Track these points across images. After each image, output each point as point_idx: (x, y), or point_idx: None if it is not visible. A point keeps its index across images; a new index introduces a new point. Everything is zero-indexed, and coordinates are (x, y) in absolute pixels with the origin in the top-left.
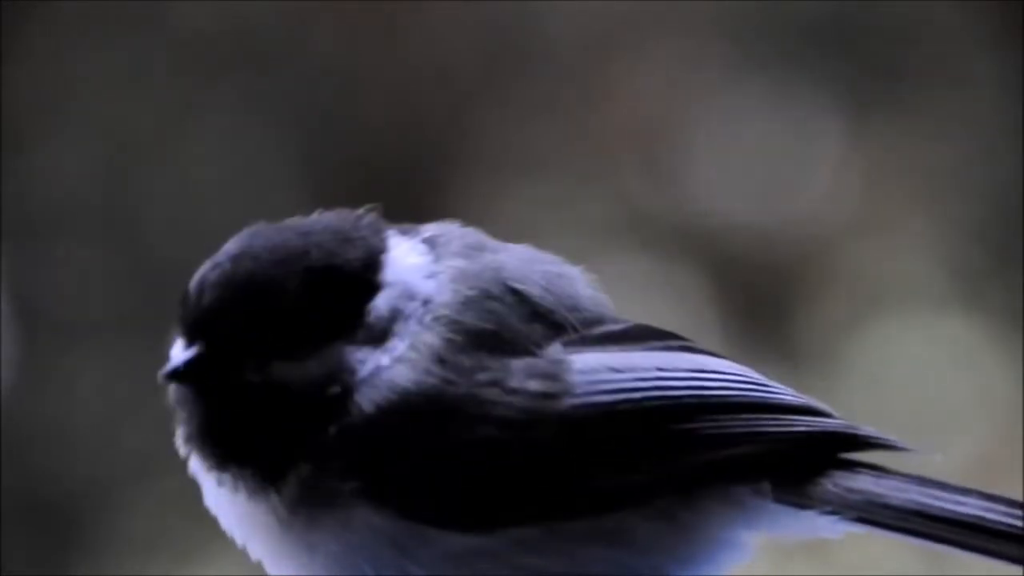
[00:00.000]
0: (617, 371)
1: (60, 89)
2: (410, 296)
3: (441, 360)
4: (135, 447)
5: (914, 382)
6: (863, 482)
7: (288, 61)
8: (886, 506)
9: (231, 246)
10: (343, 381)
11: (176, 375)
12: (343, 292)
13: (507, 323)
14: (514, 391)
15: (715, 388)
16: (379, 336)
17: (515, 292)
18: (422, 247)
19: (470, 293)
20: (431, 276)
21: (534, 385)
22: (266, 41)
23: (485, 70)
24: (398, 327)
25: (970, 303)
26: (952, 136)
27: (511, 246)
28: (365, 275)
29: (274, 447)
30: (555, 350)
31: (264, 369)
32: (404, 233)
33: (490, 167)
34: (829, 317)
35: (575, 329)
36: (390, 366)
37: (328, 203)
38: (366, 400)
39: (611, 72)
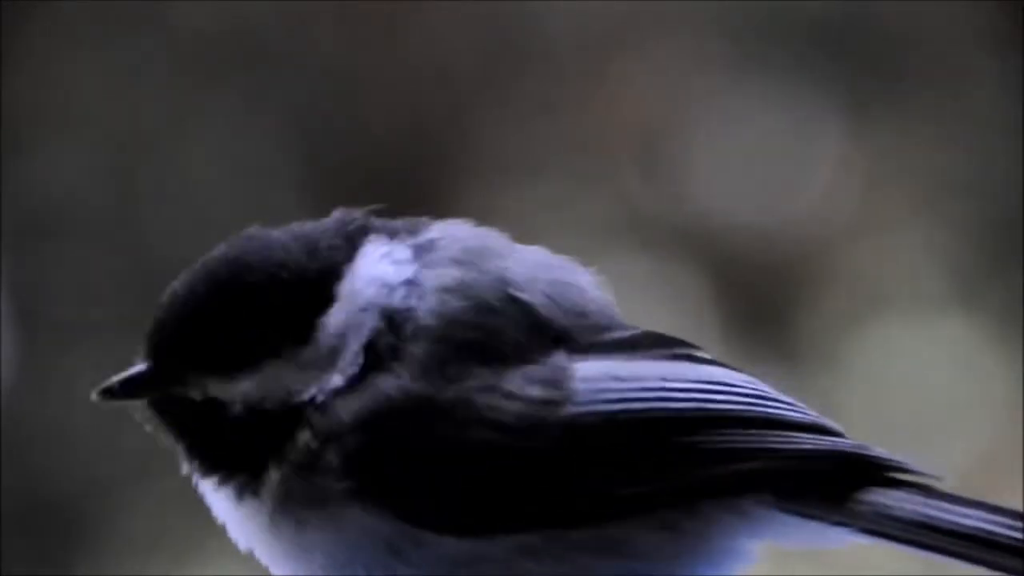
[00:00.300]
0: (621, 380)
1: (60, 89)
2: (369, 307)
3: (424, 368)
4: (135, 447)
5: (914, 382)
6: (870, 494)
7: (288, 61)
8: (893, 518)
9: (202, 259)
10: (279, 398)
11: (107, 392)
12: (284, 308)
13: (501, 333)
14: (511, 395)
15: (721, 401)
16: (330, 351)
17: (516, 301)
18: (406, 253)
19: (459, 303)
20: (408, 285)
21: (535, 391)
22: (266, 41)
23: (485, 70)
24: (353, 340)
25: (970, 303)
26: (952, 136)
27: (521, 249)
28: (317, 288)
29: (234, 458)
30: (559, 358)
31: (201, 386)
32: (395, 236)
33: (490, 167)
34: (829, 317)
35: (581, 337)
36: (367, 375)
37: (328, 203)
38: (348, 405)
39: (611, 72)
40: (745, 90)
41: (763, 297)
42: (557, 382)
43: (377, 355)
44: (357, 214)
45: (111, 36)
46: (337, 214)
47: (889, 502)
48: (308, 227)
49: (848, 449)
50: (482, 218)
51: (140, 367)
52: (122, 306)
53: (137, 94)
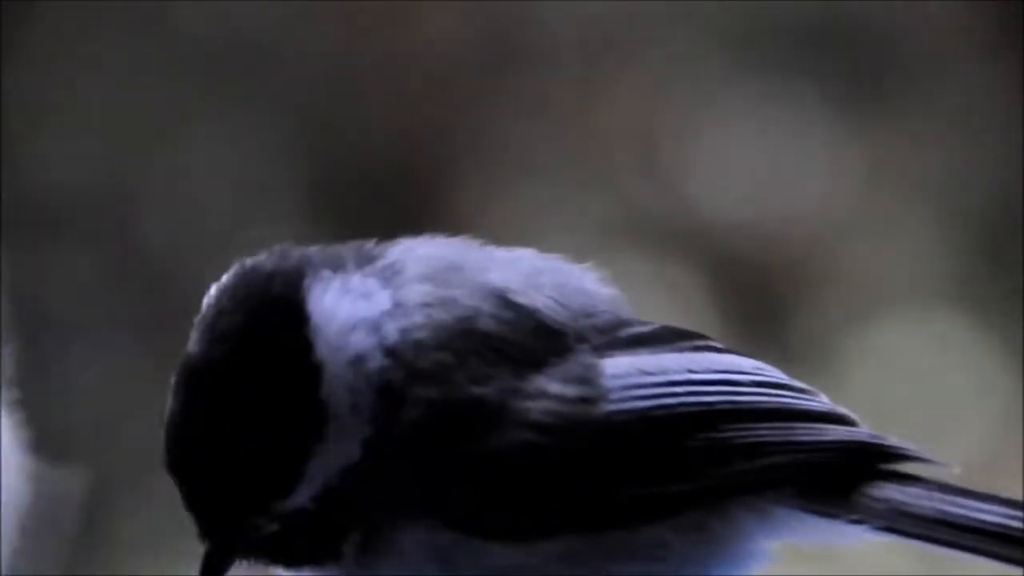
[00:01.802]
0: (649, 374)
1: (60, 90)
2: (360, 355)
3: (441, 377)
4: (135, 447)
5: (914, 381)
6: (888, 491)
7: (288, 62)
8: (911, 515)
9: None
10: (334, 485)
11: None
12: (284, 410)
13: (507, 337)
14: (544, 395)
15: (747, 393)
16: (352, 410)
17: (514, 306)
18: (370, 283)
19: (449, 315)
20: (391, 315)
21: (569, 390)
22: (266, 42)
23: (485, 70)
24: (364, 393)
25: (970, 303)
26: (952, 136)
27: (506, 255)
28: (299, 372)
29: (318, 551)
30: (585, 355)
31: (268, 521)
32: (340, 267)
33: (489, 168)
34: (829, 317)
35: (595, 336)
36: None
37: (326, 203)
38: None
39: (610, 73)
40: (745, 90)
41: (763, 297)
42: (589, 379)
43: (391, 390)
44: (293, 253)
45: (111, 36)
46: (246, 276)
47: (906, 499)
48: (248, 296)
49: (866, 439)
50: (482, 219)
51: (208, 547)
52: (122, 306)
53: (137, 95)
